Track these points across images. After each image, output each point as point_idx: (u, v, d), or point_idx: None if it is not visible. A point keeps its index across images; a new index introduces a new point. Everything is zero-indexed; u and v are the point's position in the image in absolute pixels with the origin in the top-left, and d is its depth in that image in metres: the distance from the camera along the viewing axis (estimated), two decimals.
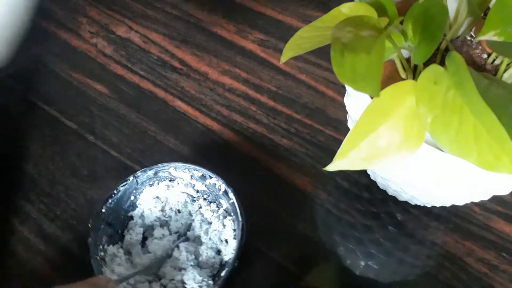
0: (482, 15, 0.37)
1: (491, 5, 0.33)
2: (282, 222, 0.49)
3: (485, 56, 0.37)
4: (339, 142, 0.32)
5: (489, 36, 0.32)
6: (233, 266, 0.41)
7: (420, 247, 0.47)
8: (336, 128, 0.54)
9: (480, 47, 0.38)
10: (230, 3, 0.67)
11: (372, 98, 0.34)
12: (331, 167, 0.33)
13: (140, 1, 0.68)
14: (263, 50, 0.60)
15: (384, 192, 0.49)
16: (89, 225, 0.44)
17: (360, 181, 0.50)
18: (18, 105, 0.58)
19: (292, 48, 0.35)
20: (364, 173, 0.50)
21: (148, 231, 0.47)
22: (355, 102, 0.38)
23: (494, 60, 0.37)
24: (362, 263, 0.46)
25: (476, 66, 0.37)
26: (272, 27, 0.63)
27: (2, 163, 0.54)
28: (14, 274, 0.47)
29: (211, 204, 0.48)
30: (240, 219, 0.43)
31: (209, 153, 0.54)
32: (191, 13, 0.66)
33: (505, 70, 0.35)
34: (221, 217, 0.46)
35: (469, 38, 0.38)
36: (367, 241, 0.47)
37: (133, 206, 0.48)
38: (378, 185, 0.49)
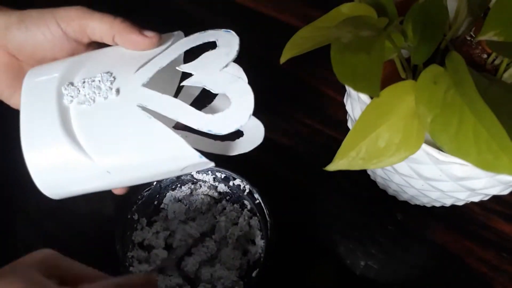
0: (482, 15, 0.37)
1: (491, 5, 0.33)
2: (281, 222, 0.49)
3: (485, 56, 0.37)
4: (339, 142, 0.32)
5: (489, 36, 0.32)
6: (265, 266, 0.41)
7: (420, 247, 0.47)
8: (336, 128, 0.54)
9: (480, 47, 0.38)
10: (231, 3, 0.67)
11: (372, 98, 0.34)
12: (331, 167, 0.33)
13: None
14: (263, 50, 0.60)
15: (384, 192, 0.49)
16: (116, 232, 0.44)
17: (360, 181, 0.50)
18: None
19: (292, 48, 0.35)
20: (364, 173, 0.50)
21: (171, 235, 0.47)
22: (355, 102, 0.38)
23: (494, 60, 0.37)
24: (362, 262, 0.46)
25: (476, 66, 0.37)
26: (272, 27, 0.63)
27: (3, 164, 0.54)
28: None
29: (235, 205, 0.48)
30: (268, 219, 0.43)
31: (209, 153, 0.54)
32: (190, 12, 0.66)
33: (505, 70, 0.35)
34: (246, 218, 0.46)
35: (469, 38, 0.38)
36: (367, 240, 0.47)
37: (157, 210, 0.48)
38: (378, 185, 0.49)
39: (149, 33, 0.37)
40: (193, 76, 0.35)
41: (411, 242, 0.47)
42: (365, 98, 0.34)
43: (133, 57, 0.37)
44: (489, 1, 0.36)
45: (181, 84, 0.37)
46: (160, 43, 0.38)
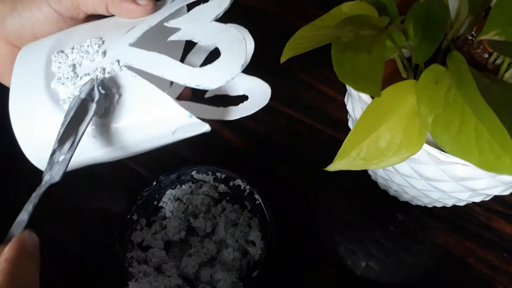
0: (483, 14, 0.37)
1: (492, 4, 0.33)
2: (281, 222, 0.49)
3: (486, 55, 0.37)
4: (339, 142, 0.32)
5: (491, 35, 0.31)
6: (265, 266, 0.41)
7: (421, 248, 0.47)
8: (337, 128, 0.54)
9: (481, 46, 0.38)
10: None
11: (372, 98, 0.34)
12: (331, 167, 0.33)
13: None
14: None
15: (385, 192, 0.49)
16: (116, 233, 0.44)
17: (361, 181, 0.50)
18: None
19: (293, 48, 0.35)
20: (365, 173, 0.49)
21: (171, 235, 0.47)
22: (356, 101, 0.38)
23: (495, 59, 0.37)
24: (363, 263, 0.46)
25: (477, 65, 0.37)
26: (272, 26, 0.62)
27: (3, 164, 0.54)
28: None
29: (235, 205, 0.48)
30: (268, 219, 0.43)
31: (208, 152, 0.54)
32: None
33: (506, 70, 0.35)
34: (246, 219, 0.46)
35: (470, 37, 0.38)
36: (368, 241, 0.47)
37: (156, 210, 0.48)
38: (379, 185, 0.48)
39: (142, 1, 0.36)
40: (181, 30, 0.33)
41: (412, 243, 0.47)
42: (366, 97, 0.34)
43: (126, 23, 0.36)
44: (491, 1, 0.36)
45: (168, 40, 0.34)
46: (155, 9, 0.36)
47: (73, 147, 0.32)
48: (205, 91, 0.44)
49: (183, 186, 0.48)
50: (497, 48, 0.33)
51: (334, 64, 0.28)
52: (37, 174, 0.55)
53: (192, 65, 0.44)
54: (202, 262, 0.45)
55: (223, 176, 0.47)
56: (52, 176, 0.33)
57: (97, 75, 0.34)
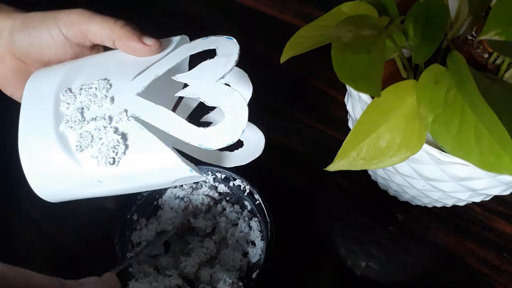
0: (483, 14, 0.37)
1: (492, 4, 0.33)
2: (282, 222, 0.49)
3: (486, 55, 0.37)
4: (339, 142, 0.32)
5: (490, 35, 0.31)
6: (265, 267, 0.41)
7: (421, 248, 0.47)
8: (337, 128, 0.54)
9: (481, 46, 0.38)
10: (231, 3, 0.67)
11: (373, 97, 0.34)
12: (331, 167, 0.33)
13: None
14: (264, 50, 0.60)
15: (385, 192, 0.49)
16: (116, 233, 0.44)
17: (361, 181, 0.50)
18: None
19: (293, 48, 0.35)
20: (365, 173, 0.49)
21: (171, 235, 0.47)
22: (356, 101, 0.38)
23: (495, 59, 0.37)
24: (363, 263, 0.46)
25: (477, 65, 0.37)
26: (272, 26, 0.63)
27: (3, 164, 0.54)
28: None
29: (235, 205, 0.48)
30: (268, 219, 0.43)
31: None
32: (189, 14, 0.66)
33: (506, 70, 0.35)
34: (246, 219, 0.46)
35: (470, 37, 0.38)
36: (368, 241, 0.47)
37: (156, 210, 0.48)
38: (379, 185, 0.48)
39: (148, 41, 0.37)
40: (188, 87, 0.34)
41: (412, 243, 0.47)
42: (366, 97, 0.34)
43: (132, 63, 0.37)
44: (491, 1, 0.36)
45: (175, 95, 0.36)
46: (161, 49, 0.37)
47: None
48: (201, 116, 0.46)
49: (183, 186, 0.48)
50: (497, 48, 0.33)
51: (334, 64, 0.27)
52: None
53: (188, 104, 0.45)
54: (202, 262, 0.45)
55: (223, 176, 0.47)
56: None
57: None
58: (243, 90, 0.40)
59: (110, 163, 0.34)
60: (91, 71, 0.37)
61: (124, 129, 0.34)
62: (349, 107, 0.41)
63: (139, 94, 0.34)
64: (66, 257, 0.48)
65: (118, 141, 0.34)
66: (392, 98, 0.31)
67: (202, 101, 0.34)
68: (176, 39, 0.38)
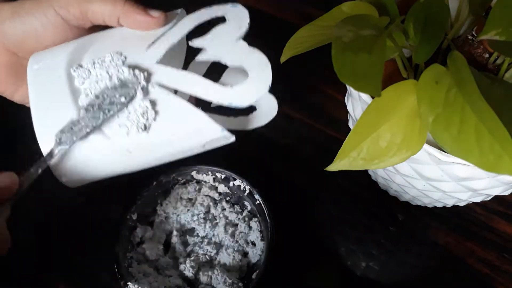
0: (484, 14, 0.37)
1: (492, 4, 0.33)
2: (281, 223, 0.49)
3: (486, 55, 0.37)
4: (340, 142, 0.32)
5: (491, 35, 0.31)
6: (265, 267, 0.41)
7: (421, 248, 0.47)
8: (337, 127, 0.54)
9: (481, 46, 0.38)
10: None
11: (373, 97, 0.34)
12: (332, 167, 0.33)
13: None
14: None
15: (385, 192, 0.48)
16: (115, 232, 0.44)
17: (361, 181, 0.50)
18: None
19: (293, 47, 0.35)
20: (365, 173, 0.49)
21: (171, 235, 0.47)
22: (356, 101, 0.38)
23: (495, 59, 0.37)
24: (363, 263, 0.46)
25: (478, 65, 0.37)
26: (272, 26, 0.62)
27: (3, 163, 0.53)
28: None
29: (235, 206, 0.48)
30: (268, 220, 0.43)
31: (208, 153, 0.54)
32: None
33: (506, 70, 0.35)
34: (246, 219, 0.46)
35: (470, 37, 0.38)
36: (368, 241, 0.47)
37: (156, 210, 0.48)
38: (379, 185, 0.48)
39: (155, 13, 0.36)
40: (206, 50, 0.35)
41: (412, 243, 0.47)
42: (366, 97, 0.34)
43: (139, 36, 0.37)
44: (491, 0, 0.36)
45: (196, 60, 0.36)
46: (166, 22, 0.37)
47: (97, 123, 0.34)
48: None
49: (183, 186, 0.48)
50: (497, 48, 0.33)
51: (334, 64, 0.27)
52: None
53: (195, 71, 0.44)
54: (201, 263, 0.44)
55: (223, 176, 0.47)
56: (62, 142, 0.34)
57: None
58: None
59: (142, 129, 0.33)
60: (99, 46, 0.37)
61: (150, 96, 0.34)
62: (349, 107, 0.41)
63: (158, 62, 0.34)
64: (66, 257, 0.48)
65: (147, 106, 0.34)
66: (392, 98, 0.31)
67: (223, 62, 0.34)
68: (177, 11, 0.39)
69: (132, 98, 0.34)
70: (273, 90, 0.38)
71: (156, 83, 0.34)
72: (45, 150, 0.35)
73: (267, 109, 0.40)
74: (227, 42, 0.34)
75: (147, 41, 0.36)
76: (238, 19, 0.35)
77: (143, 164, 0.37)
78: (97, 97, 0.34)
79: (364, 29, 0.30)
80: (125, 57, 0.35)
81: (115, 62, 0.35)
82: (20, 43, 0.38)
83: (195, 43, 0.35)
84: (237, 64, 0.34)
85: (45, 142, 0.34)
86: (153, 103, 0.34)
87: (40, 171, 0.35)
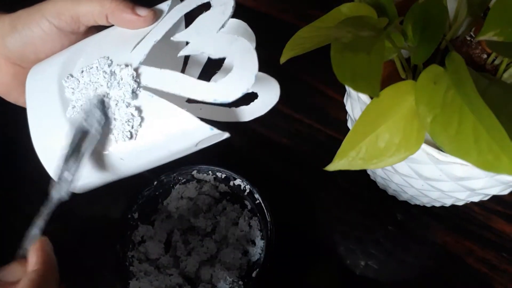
0: (482, 15, 0.37)
1: (490, 5, 0.33)
2: (281, 222, 0.49)
3: (484, 56, 0.37)
4: (339, 142, 0.32)
5: (489, 36, 0.32)
6: (265, 266, 0.41)
7: (420, 247, 0.47)
8: (336, 128, 0.54)
9: (479, 47, 0.38)
10: None
11: (372, 98, 0.34)
12: (331, 167, 0.33)
13: None
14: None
15: (384, 192, 0.49)
16: (118, 231, 0.44)
17: (360, 181, 0.50)
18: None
19: (292, 48, 0.35)
20: (364, 173, 0.50)
21: (171, 234, 0.47)
22: (355, 102, 0.38)
23: (493, 60, 0.37)
24: (362, 263, 0.46)
25: (476, 66, 0.37)
26: (272, 27, 0.63)
27: (3, 163, 0.54)
28: None
29: (235, 205, 0.48)
30: (268, 219, 0.43)
31: (208, 152, 0.54)
32: (188, 15, 0.66)
33: (504, 70, 0.35)
34: (246, 218, 0.46)
35: (468, 38, 0.38)
36: (367, 241, 0.47)
37: (157, 209, 0.48)
38: (378, 185, 0.49)
39: (142, 12, 0.36)
40: (189, 44, 0.33)
41: (411, 242, 0.47)
42: (365, 98, 0.34)
43: (129, 36, 0.36)
44: (489, 1, 0.36)
45: (178, 55, 0.34)
46: (156, 18, 0.36)
47: (76, 167, 0.34)
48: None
49: (187, 185, 0.49)
50: (495, 48, 0.34)
51: (334, 64, 0.28)
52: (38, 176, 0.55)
53: (196, 63, 0.43)
54: (202, 261, 0.45)
55: (223, 175, 0.47)
56: (61, 195, 0.35)
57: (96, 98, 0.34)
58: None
59: (128, 137, 0.33)
60: (89, 52, 0.36)
61: (135, 101, 0.33)
62: (348, 107, 0.41)
63: (141, 63, 0.33)
64: (66, 257, 0.48)
65: (132, 114, 0.33)
66: (391, 98, 0.31)
67: (206, 55, 0.32)
68: (167, 3, 0.37)
69: (101, 124, 0.33)
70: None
71: (141, 86, 0.33)
72: (46, 167, 0.35)
73: (268, 96, 0.38)
74: (209, 33, 0.32)
75: (134, 41, 0.35)
76: (223, 4, 0.33)
77: (139, 169, 0.37)
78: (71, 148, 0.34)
79: (363, 30, 0.30)
80: (111, 61, 0.34)
81: (102, 68, 0.34)
82: (22, 55, 0.38)
83: (178, 37, 0.34)
84: (220, 55, 0.32)
85: (44, 157, 0.35)
86: (138, 109, 0.33)
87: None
